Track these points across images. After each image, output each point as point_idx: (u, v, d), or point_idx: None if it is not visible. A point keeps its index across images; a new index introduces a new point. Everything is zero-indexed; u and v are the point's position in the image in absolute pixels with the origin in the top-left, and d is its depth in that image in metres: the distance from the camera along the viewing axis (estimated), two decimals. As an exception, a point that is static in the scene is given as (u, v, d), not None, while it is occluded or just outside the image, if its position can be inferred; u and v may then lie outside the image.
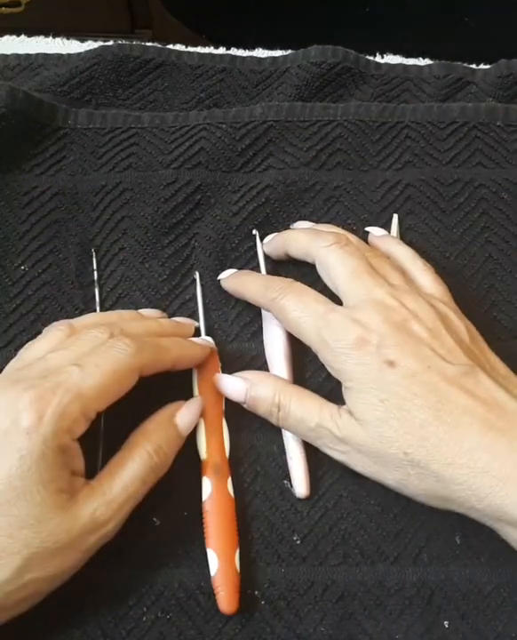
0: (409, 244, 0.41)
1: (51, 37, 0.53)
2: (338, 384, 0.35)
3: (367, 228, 0.43)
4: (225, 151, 0.45)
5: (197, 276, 0.42)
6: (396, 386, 0.32)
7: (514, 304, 0.42)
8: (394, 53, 0.53)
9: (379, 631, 0.34)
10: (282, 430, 0.37)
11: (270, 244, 0.42)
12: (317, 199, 0.44)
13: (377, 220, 0.44)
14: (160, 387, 0.36)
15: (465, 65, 0.50)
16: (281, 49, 0.52)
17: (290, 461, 0.37)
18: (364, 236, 0.42)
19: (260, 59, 0.50)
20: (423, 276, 0.38)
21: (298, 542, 0.36)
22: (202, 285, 0.42)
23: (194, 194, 0.44)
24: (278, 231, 0.43)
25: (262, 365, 0.40)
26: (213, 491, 0.35)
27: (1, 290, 0.41)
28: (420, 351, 0.33)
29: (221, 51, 0.52)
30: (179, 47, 0.51)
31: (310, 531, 0.36)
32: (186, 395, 0.37)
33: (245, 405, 0.37)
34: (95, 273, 0.42)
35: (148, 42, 0.50)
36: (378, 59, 0.52)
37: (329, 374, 0.36)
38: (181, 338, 0.38)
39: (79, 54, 0.49)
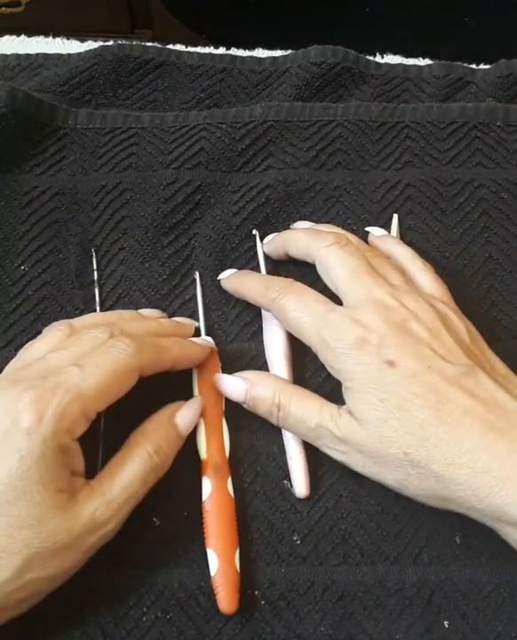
0: (409, 244, 0.41)
1: (51, 37, 0.53)
2: (338, 384, 0.35)
3: (367, 228, 0.43)
4: (225, 151, 0.45)
5: (197, 276, 0.42)
6: (396, 386, 0.32)
7: (514, 304, 0.42)
8: (394, 53, 0.53)
9: (379, 631, 0.34)
10: (282, 430, 0.37)
11: (270, 244, 0.42)
12: (317, 199, 0.44)
13: (377, 220, 0.44)
14: (160, 387, 0.36)
15: (465, 65, 0.50)
16: (281, 49, 0.52)
17: (290, 461, 0.37)
18: (364, 236, 0.42)
19: (260, 59, 0.50)
20: (423, 276, 0.38)
21: (298, 542, 0.36)
22: (202, 285, 0.42)
23: (194, 194, 0.44)
24: (278, 231, 0.43)
25: (262, 365, 0.40)
26: (213, 491, 0.35)
27: (1, 290, 0.41)
28: (420, 351, 0.33)
29: (221, 51, 0.52)
30: (179, 47, 0.51)
31: (310, 531, 0.36)
32: (186, 395, 0.37)
33: (245, 405, 0.37)
34: (95, 273, 0.42)
35: (148, 42, 0.50)
36: (378, 59, 0.52)
37: (329, 374, 0.36)
38: (181, 338, 0.38)
39: (79, 54, 0.49)
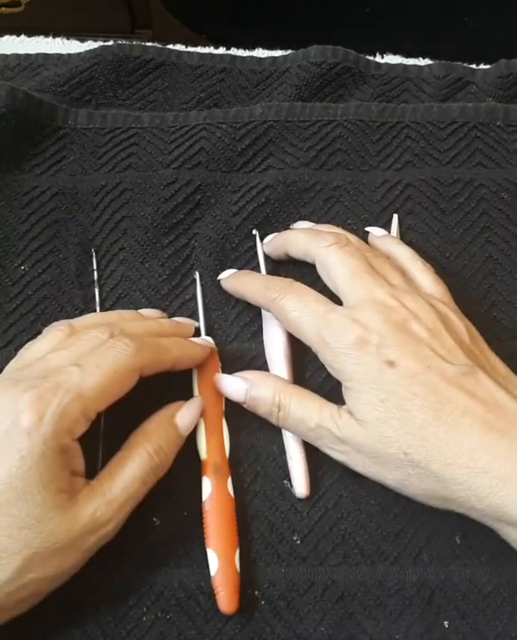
0: (409, 244, 0.41)
1: (51, 37, 0.53)
2: (338, 384, 0.35)
3: (367, 228, 0.43)
4: (225, 151, 0.45)
5: (197, 276, 0.42)
6: (396, 386, 0.32)
7: (514, 304, 0.42)
8: (394, 53, 0.53)
9: (379, 631, 0.34)
10: (282, 430, 0.37)
11: (270, 244, 0.42)
12: (317, 199, 0.44)
13: (377, 220, 0.44)
14: (160, 387, 0.36)
15: (465, 65, 0.50)
16: (281, 49, 0.52)
17: (290, 461, 0.37)
18: (364, 236, 0.42)
19: (260, 59, 0.50)
20: (423, 276, 0.38)
21: (298, 542, 0.36)
22: (202, 285, 0.42)
23: (194, 194, 0.44)
24: (278, 231, 0.43)
25: (262, 365, 0.40)
26: (213, 491, 0.35)
27: (1, 290, 0.41)
28: (420, 351, 0.33)
29: (221, 51, 0.52)
30: (179, 47, 0.51)
31: (310, 531, 0.36)
32: (187, 395, 0.37)
33: (245, 405, 0.37)
34: (95, 273, 0.42)
35: (148, 42, 0.50)
36: (378, 59, 0.52)
37: (329, 374, 0.36)
38: (181, 338, 0.38)
39: (79, 54, 0.49)
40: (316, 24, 0.70)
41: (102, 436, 0.36)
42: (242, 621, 0.34)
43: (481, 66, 0.51)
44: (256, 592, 0.35)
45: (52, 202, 0.43)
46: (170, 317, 0.40)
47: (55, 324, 0.37)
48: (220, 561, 0.34)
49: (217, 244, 0.43)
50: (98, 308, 0.41)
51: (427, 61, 0.51)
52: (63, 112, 0.46)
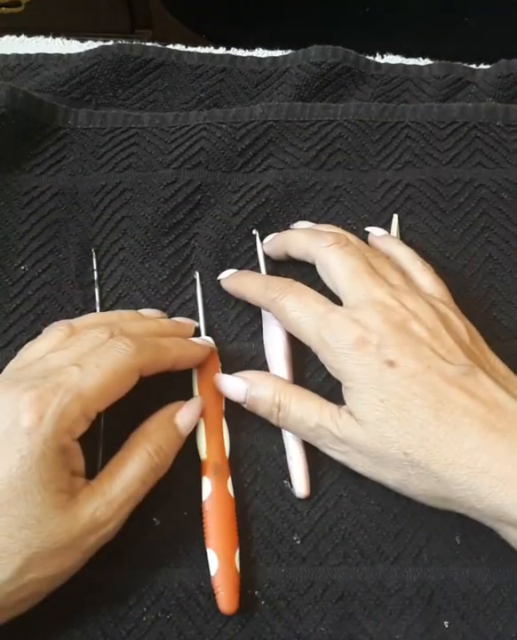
0: (409, 244, 0.41)
1: (51, 37, 0.53)
2: (338, 384, 0.35)
3: (367, 228, 0.43)
4: (225, 151, 0.45)
5: (197, 276, 0.42)
6: (396, 386, 0.32)
7: (514, 304, 0.42)
8: (394, 53, 0.53)
9: (379, 631, 0.34)
10: (282, 430, 0.37)
11: (270, 244, 0.42)
12: (317, 199, 0.44)
13: (377, 220, 0.44)
14: (160, 387, 0.36)
15: (465, 65, 0.50)
16: (281, 49, 0.52)
17: (290, 461, 0.37)
18: (364, 236, 0.42)
19: (260, 59, 0.50)
20: (422, 276, 0.38)
21: (298, 542, 0.36)
22: (202, 285, 0.42)
23: (194, 194, 0.44)
24: (278, 231, 0.43)
25: (262, 365, 0.40)
26: (213, 491, 0.35)
27: (1, 290, 0.41)
28: (420, 351, 0.33)
29: (221, 51, 0.52)
30: (179, 47, 0.51)
31: (310, 531, 0.36)
32: (187, 395, 0.37)
33: (245, 405, 0.37)
34: (95, 273, 0.42)
35: (148, 42, 0.50)
36: (378, 59, 0.52)
37: (329, 374, 0.36)
38: (181, 338, 0.38)
39: (79, 54, 0.49)
40: (316, 24, 0.70)
41: (102, 436, 0.36)
42: (242, 621, 0.34)
43: (481, 66, 0.51)
44: (256, 592, 0.35)
45: (52, 202, 0.43)
46: (170, 317, 0.40)
47: (55, 323, 0.37)
48: (220, 561, 0.34)
49: (217, 244, 0.43)
50: (98, 308, 0.41)
51: (427, 61, 0.51)
52: (63, 112, 0.46)
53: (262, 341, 0.40)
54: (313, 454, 0.37)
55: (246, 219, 0.43)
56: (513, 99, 0.49)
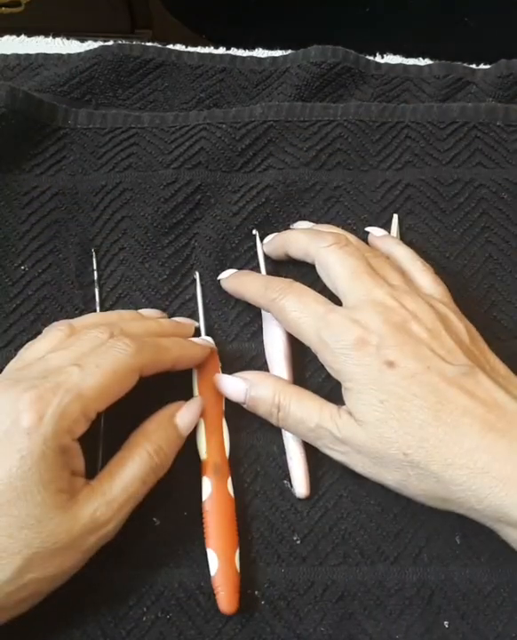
0: (409, 244, 0.41)
1: (51, 37, 0.53)
2: (338, 384, 0.35)
3: (367, 228, 0.43)
4: (225, 151, 0.45)
5: (197, 276, 0.42)
6: (396, 386, 0.32)
7: (514, 304, 0.42)
8: (394, 53, 0.53)
9: (379, 631, 0.34)
10: (282, 430, 0.37)
11: (270, 244, 0.42)
12: (317, 199, 0.44)
13: (377, 220, 0.44)
14: (160, 387, 0.36)
15: (465, 65, 0.50)
16: (281, 49, 0.52)
17: (290, 461, 0.37)
18: (364, 236, 0.42)
19: (260, 59, 0.50)
20: (422, 276, 0.38)
21: (298, 542, 0.36)
22: (202, 285, 0.42)
23: (194, 194, 0.44)
24: (278, 231, 0.43)
25: (262, 365, 0.40)
26: (213, 491, 0.35)
27: (1, 290, 0.41)
28: (420, 352, 0.33)
29: (221, 51, 0.52)
30: (179, 47, 0.51)
31: (310, 531, 0.36)
32: (187, 395, 0.37)
33: (245, 406, 0.37)
34: (95, 273, 0.42)
35: (148, 42, 0.50)
36: (378, 59, 0.52)
37: (329, 374, 0.36)
38: (181, 338, 0.38)
39: (79, 54, 0.49)
40: (316, 24, 0.70)
41: (102, 435, 0.36)
42: (242, 621, 0.34)
43: (481, 66, 0.51)
44: (256, 592, 0.35)
45: (52, 202, 0.43)
46: (170, 317, 0.40)
47: (55, 323, 0.37)
48: (220, 561, 0.34)
49: (217, 244, 0.43)
50: (98, 308, 0.41)
51: (427, 61, 0.51)
52: (63, 112, 0.46)
53: (262, 341, 0.40)
54: (313, 454, 0.37)
55: (246, 219, 0.43)
56: (513, 99, 0.49)
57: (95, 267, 0.42)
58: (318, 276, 0.38)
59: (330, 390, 0.38)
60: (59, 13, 0.81)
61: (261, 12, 0.74)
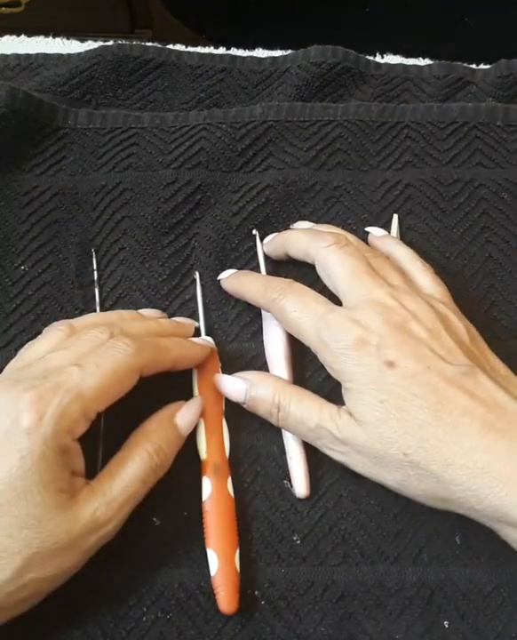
0: (409, 244, 0.41)
1: (51, 37, 0.53)
2: (338, 384, 0.35)
3: (367, 229, 0.43)
4: (225, 151, 0.45)
5: (197, 276, 0.42)
6: (396, 386, 0.32)
7: (514, 304, 0.42)
8: (394, 53, 0.53)
9: (379, 631, 0.34)
10: (282, 430, 0.37)
11: (270, 244, 0.42)
12: (317, 199, 0.44)
13: (377, 220, 0.44)
14: (160, 387, 0.36)
15: (465, 65, 0.50)
16: (281, 49, 0.52)
17: (290, 461, 0.37)
18: (364, 236, 0.42)
19: (260, 59, 0.50)
20: (422, 276, 0.38)
21: (298, 542, 0.36)
22: (202, 285, 0.42)
23: (194, 194, 0.44)
24: (278, 231, 0.43)
25: (262, 365, 0.40)
26: (213, 491, 0.35)
27: (1, 290, 0.41)
28: (420, 352, 0.33)
29: (221, 51, 0.52)
30: (179, 47, 0.51)
31: (310, 531, 0.36)
32: (187, 395, 0.37)
33: (245, 406, 0.37)
34: (95, 273, 0.42)
35: (148, 42, 0.50)
36: (378, 59, 0.52)
37: (329, 374, 0.36)
38: (181, 338, 0.38)
39: (79, 54, 0.49)
40: (316, 24, 0.70)
41: (102, 435, 0.36)
42: (242, 621, 0.34)
43: (481, 66, 0.51)
44: (256, 592, 0.35)
45: (52, 202, 0.43)
46: (170, 317, 0.40)
47: (55, 323, 0.37)
48: (220, 561, 0.34)
49: (217, 244, 0.43)
50: (98, 308, 0.41)
51: (427, 61, 0.51)
52: (63, 112, 0.46)
53: (262, 341, 0.40)
54: (313, 454, 0.37)
55: (246, 219, 0.43)
56: (513, 99, 0.49)
57: (95, 267, 0.42)
58: (318, 276, 0.38)
59: (330, 390, 0.38)
60: (59, 13, 0.81)
61: (261, 12, 0.74)
